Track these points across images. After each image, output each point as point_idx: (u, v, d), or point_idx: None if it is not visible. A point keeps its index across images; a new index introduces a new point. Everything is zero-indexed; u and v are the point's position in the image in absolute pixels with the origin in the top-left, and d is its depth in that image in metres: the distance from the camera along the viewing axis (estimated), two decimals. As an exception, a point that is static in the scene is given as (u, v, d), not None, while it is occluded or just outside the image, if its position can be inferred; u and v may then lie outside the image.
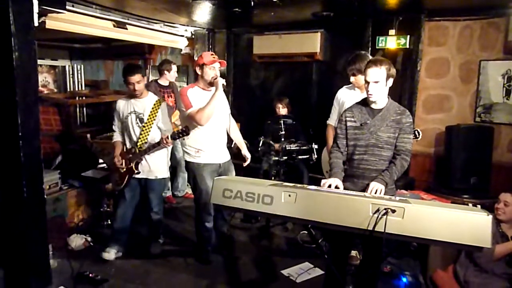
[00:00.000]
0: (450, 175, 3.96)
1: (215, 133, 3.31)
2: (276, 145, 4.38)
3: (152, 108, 3.47)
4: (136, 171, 3.47)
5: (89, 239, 3.83)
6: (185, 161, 3.42)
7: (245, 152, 3.59)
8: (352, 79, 3.32)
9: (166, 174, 3.70)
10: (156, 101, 3.51)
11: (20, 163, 2.80)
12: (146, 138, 3.46)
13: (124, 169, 3.49)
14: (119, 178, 3.53)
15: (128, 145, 3.55)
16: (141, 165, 3.50)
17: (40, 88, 6.00)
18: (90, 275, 3.19)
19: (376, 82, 2.41)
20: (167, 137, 3.30)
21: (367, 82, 2.46)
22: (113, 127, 3.64)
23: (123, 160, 3.48)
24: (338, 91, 3.59)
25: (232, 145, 4.11)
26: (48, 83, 6.32)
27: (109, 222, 4.20)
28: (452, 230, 1.70)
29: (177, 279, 3.29)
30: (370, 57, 3.33)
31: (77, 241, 3.76)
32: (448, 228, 1.70)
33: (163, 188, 3.84)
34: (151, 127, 3.46)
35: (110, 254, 3.50)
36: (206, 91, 3.25)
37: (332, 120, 3.63)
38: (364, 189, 2.48)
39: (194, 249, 3.71)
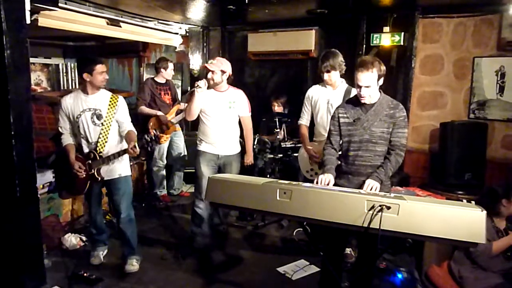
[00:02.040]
0: (445, 171, 3.97)
1: (215, 127, 3.50)
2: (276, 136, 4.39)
3: (110, 103, 3.19)
4: (99, 178, 3.16)
5: (83, 238, 3.81)
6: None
7: (245, 157, 3.77)
8: (326, 76, 3.37)
9: (129, 171, 3.36)
10: (113, 95, 3.25)
11: (13, 162, 2.77)
12: (107, 137, 3.16)
13: (84, 176, 3.15)
14: (79, 184, 3.19)
15: (84, 147, 3.20)
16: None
17: (33, 86, 5.95)
18: (85, 274, 3.18)
19: (368, 86, 2.42)
20: (134, 146, 3.02)
21: (359, 87, 2.45)
22: (60, 129, 3.24)
23: (80, 164, 3.13)
24: (308, 90, 3.61)
25: None
26: (42, 81, 6.26)
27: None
28: (446, 226, 1.70)
29: (173, 277, 3.28)
30: (340, 54, 3.34)
31: (71, 240, 3.74)
32: (442, 224, 1.71)
33: (130, 187, 3.37)
34: (111, 123, 3.18)
35: (100, 257, 3.49)
36: (214, 91, 3.49)
37: (304, 120, 3.65)
38: (359, 186, 2.48)
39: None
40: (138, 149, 3.05)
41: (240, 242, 3.99)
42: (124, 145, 3.22)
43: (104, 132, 3.16)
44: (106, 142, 3.17)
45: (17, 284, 2.96)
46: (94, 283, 3.12)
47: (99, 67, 3.11)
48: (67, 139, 3.24)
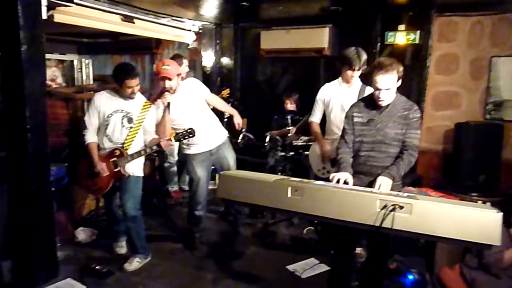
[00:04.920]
0: (459, 173, 3.92)
1: (193, 126, 3.31)
2: (291, 129, 4.40)
3: (142, 108, 3.23)
4: (126, 175, 3.18)
5: (95, 232, 3.86)
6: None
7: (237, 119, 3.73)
8: (357, 74, 3.28)
9: (142, 172, 3.36)
10: (146, 102, 3.28)
11: (28, 156, 2.83)
12: (133, 140, 3.21)
13: (108, 174, 3.17)
14: (103, 183, 3.19)
15: (106, 145, 3.21)
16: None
17: (48, 82, 6.02)
18: (97, 267, 3.22)
19: (389, 89, 2.38)
20: (170, 139, 3.14)
21: (378, 89, 2.40)
22: (86, 123, 3.21)
23: (104, 164, 3.15)
24: (321, 88, 3.54)
25: (238, 141, 4.12)
26: (56, 77, 6.34)
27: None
28: (460, 227, 1.67)
29: (182, 272, 3.30)
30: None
31: (84, 233, 3.79)
32: (457, 225, 1.68)
33: (140, 188, 3.35)
34: (139, 128, 3.22)
35: (124, 247, 3.58)
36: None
37: (315, 118, 3.60)
38: (369, 185, 2.45)
39: (183, 235, 3.81)
40: (173, 141, 3.16)
41: (250, 239, 3.99)
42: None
43: (132, 134, 3.20)
44: (131, 143, 3.20)
45: (31, 276, 3.02)
46: (105, 276, 3.15)
47: (128, 82, 3.08)
48: (91, 136, 3.20)
